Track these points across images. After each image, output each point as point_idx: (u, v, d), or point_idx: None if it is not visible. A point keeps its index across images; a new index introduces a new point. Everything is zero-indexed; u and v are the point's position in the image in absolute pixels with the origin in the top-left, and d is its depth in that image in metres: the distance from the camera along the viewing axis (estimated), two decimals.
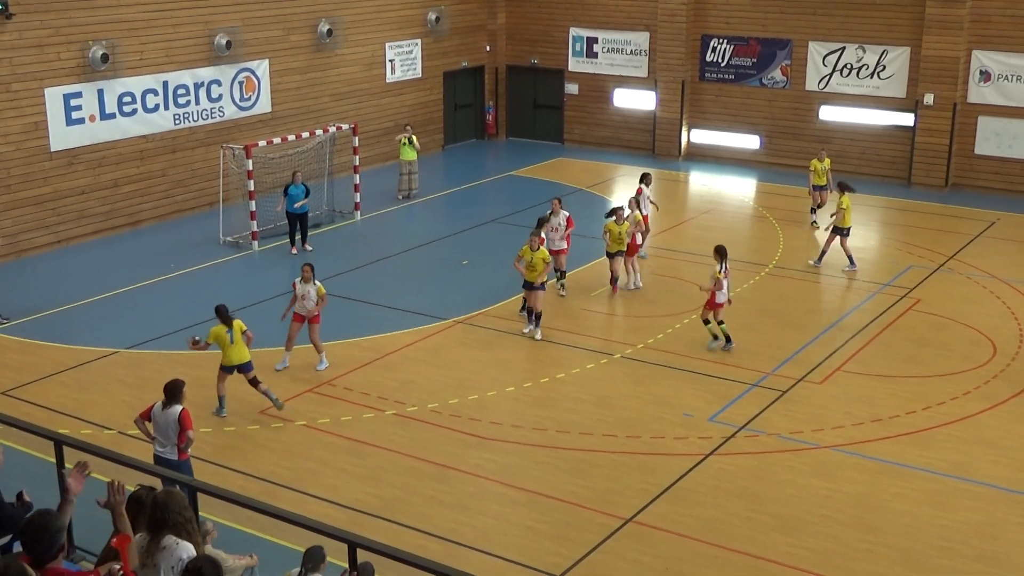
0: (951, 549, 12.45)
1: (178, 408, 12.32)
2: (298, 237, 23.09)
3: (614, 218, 20.52)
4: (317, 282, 16.96)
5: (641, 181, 23.12)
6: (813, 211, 25.29)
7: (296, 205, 22.64)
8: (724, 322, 18.03)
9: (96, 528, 8.26)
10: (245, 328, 15.32)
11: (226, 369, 15.39)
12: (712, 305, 17.89)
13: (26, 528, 6.65)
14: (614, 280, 20.68)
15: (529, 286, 18.49)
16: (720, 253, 17.98)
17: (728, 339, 18.01)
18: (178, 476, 9.53)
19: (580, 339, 18.41)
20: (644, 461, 14.48)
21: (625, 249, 20.51)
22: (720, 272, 17.71)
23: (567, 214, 20.51)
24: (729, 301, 18.09)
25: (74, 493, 7.29)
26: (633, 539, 12.64)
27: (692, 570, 12.06)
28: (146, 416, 12.60)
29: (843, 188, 22.12)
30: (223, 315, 15.29)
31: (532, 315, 18.61)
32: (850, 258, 21.90)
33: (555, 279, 20.45)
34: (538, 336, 18.42)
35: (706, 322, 18.14)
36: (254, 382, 15.44)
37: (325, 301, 17.00)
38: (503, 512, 13.26)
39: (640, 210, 21.65)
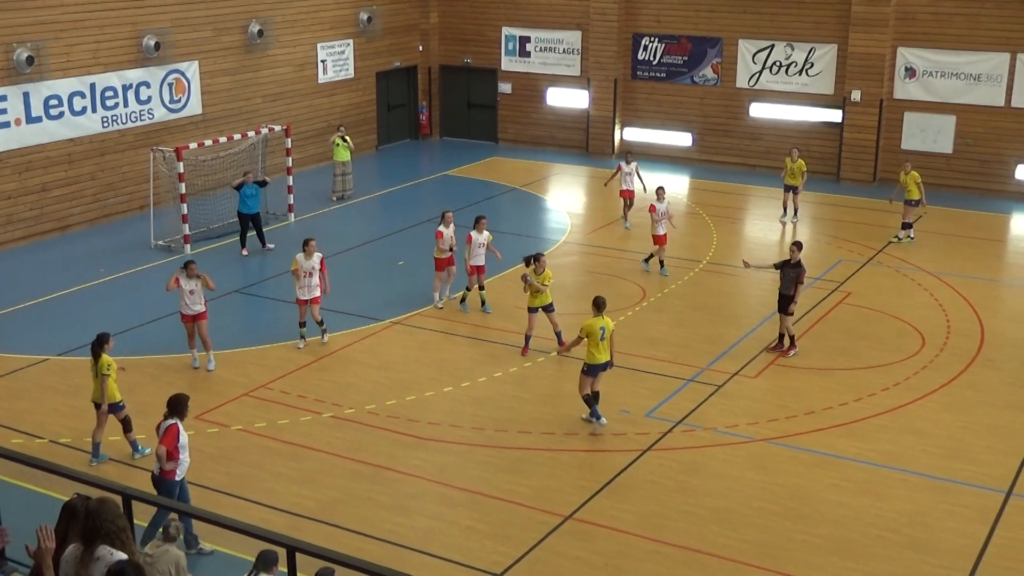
0: (884, 537, 12.69)
1: (168, 422, 11.99)
2: (250, 235, 22.85)
3: (534, 267, 17.86)
4: (203, 274, 16.88)
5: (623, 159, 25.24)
6: (906, 226, 23.85)
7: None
8: (484, 287, 19.68)
9: (30, 538, 8.12)
10: (109, 365, 13.90)
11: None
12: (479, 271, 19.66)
13: None
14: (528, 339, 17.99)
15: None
16: (478, 224, 19.34)
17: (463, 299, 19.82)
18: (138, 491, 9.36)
19: (517, 338, 18.40)
20: (582, 458, 14.56)
21: (550, 303, 17.87)
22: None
23: (320, 256, 18.08)
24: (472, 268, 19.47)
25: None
26: (573, 536, 12.71)
27: (632, 565, 12.16)
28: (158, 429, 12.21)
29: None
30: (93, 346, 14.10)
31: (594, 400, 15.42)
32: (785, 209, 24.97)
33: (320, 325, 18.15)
34: (603, 423, 15.25)
35: (467, 289, 19.78)
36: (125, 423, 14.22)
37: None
38: (443, 512, 13.25)
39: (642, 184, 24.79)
